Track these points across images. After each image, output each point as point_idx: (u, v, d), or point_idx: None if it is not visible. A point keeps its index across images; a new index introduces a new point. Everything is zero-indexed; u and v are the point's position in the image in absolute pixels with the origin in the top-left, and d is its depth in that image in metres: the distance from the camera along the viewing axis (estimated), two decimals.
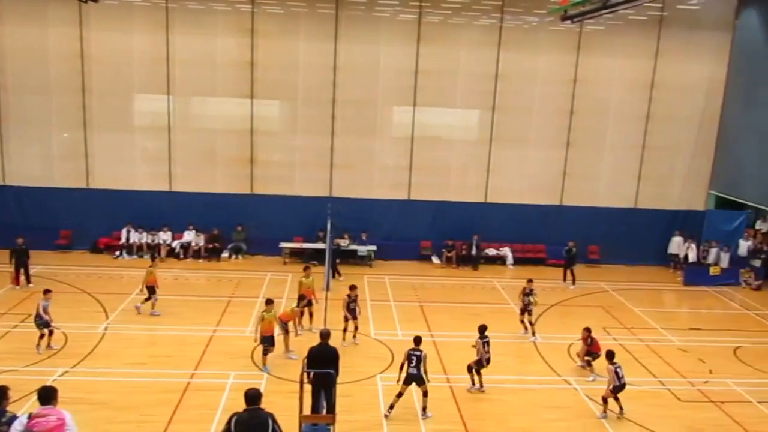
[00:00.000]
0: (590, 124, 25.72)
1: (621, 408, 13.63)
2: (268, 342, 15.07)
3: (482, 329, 14.63)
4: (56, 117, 24.55)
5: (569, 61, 25.16)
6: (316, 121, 25.11)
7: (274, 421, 8.07)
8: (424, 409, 13.27)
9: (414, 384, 13.15)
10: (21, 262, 20.40)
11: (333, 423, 10.79)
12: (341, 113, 25.05)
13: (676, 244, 25.85)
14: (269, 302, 15.43)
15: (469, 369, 14.64)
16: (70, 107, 24.38)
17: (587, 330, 16.02)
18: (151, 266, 18.77)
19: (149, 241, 24.68)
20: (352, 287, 17.26)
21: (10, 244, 20.82)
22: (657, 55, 25.24)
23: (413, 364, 13.05)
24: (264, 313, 15.21)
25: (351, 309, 16.87)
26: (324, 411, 11.61)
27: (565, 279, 23.60)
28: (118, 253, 24.43)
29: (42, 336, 15.53)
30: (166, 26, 24.03)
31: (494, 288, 22.90)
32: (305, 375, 11.14)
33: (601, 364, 14.99)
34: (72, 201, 24.69)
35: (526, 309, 18.24)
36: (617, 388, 13.53)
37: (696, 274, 24.42)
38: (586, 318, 19.53)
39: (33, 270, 21.00)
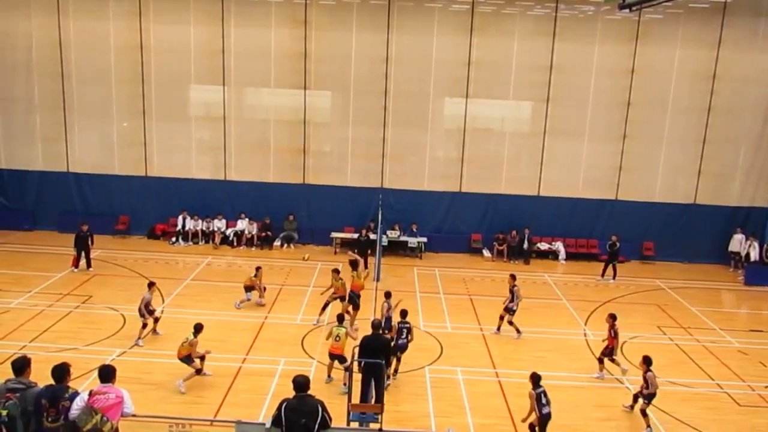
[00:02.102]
0: (648, 116, 25.03)
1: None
2: (340, 360, 13.86)
3: (536, 379, 11.70)
4: (116, 106, 25.28)
5: (627, 51, 24.51)
6: (367, 113, 25.17)
7: (324, 409, 8.12)
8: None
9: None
10: (82, 247, 21.06)
11: (381, 412, 10.82)
12: (393, 105, 25.04)
13: (737, 242, 24.96)
14: (341, 319, 14.53)
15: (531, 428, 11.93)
16: (129, 97, 25.07)
17: (612, 317, 14.98)
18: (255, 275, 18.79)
19: (204, 228, 25.22)
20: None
21: (73, 228, 21.57)
22: (719, 45, 24.34)
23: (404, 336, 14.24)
24: (334, 329, 13.99)
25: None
26: (372, 400, 11.67)
27: (603, 274, 23.00)
28: (174, 239, 25.05)
29: (144, 326, 15.77)
30: (221, 18, 24.43)
31: (546, 283, 22.60)
32: (355, 364, 11.21)
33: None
34: (131, 188, 25.48)
35: (509, 307, 17.02)
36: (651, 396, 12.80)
37: (758, 274, 23.55)
38: (640, 316, 19.12)
39: (94, 254, 21.69)
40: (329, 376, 14.02)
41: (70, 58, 24.83)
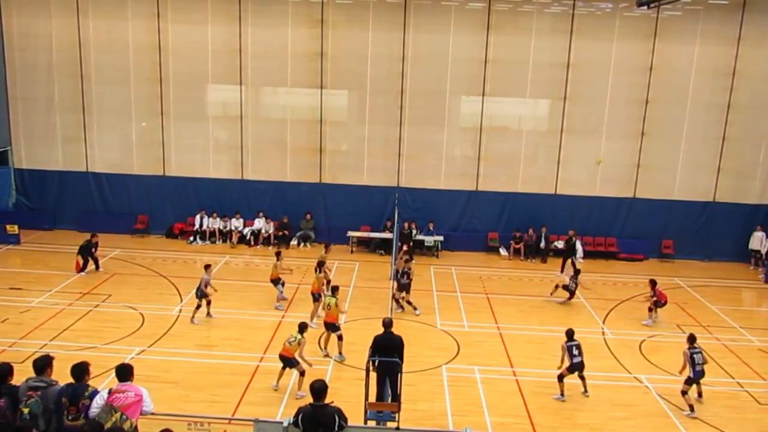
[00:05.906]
0: (666, 114, 24.77)
1: (699, 394, 13.79)
2: (332, 329, 15.38)
3: (570, 333, 13.90)
4: (135, 106, 25.45)
5: (645, 48, 24.28)
6: (384, 111, 25.16)
7: (341, 416, 8.22)
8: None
9: None
10: (87, 254, 20.65)
11: (398, 411, 10.83)
12: (409, 103, 25.00)
13: (758, 240, 24.62)
14: (335, 289, 15.76)
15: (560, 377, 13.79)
16: (148, 97, 25.23)
17: (653, 282, 18.36)
18: (277, 261, 18.95)
19: (221, 227, 25.36)
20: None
21: (93, 227, 21.85)
22: (739, 42, 24.02)
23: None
24: (328, 299, 15.54)
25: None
26: (389, 399, 11.68)
27: (562, 270, 22.91)
28: (192, 238, 25.20)
29: (198, 306, 17.01)
30: (239, 18, 24.54)
31: (563, 281, 22.43)
32: (370, 363, 11.23)
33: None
34: (149, 187, 25.67)
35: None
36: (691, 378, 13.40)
37: None
38: (659, 314, 18.93)
39: (113, 253, 21.85)
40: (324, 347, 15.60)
41: (90, 59, 25.06)
